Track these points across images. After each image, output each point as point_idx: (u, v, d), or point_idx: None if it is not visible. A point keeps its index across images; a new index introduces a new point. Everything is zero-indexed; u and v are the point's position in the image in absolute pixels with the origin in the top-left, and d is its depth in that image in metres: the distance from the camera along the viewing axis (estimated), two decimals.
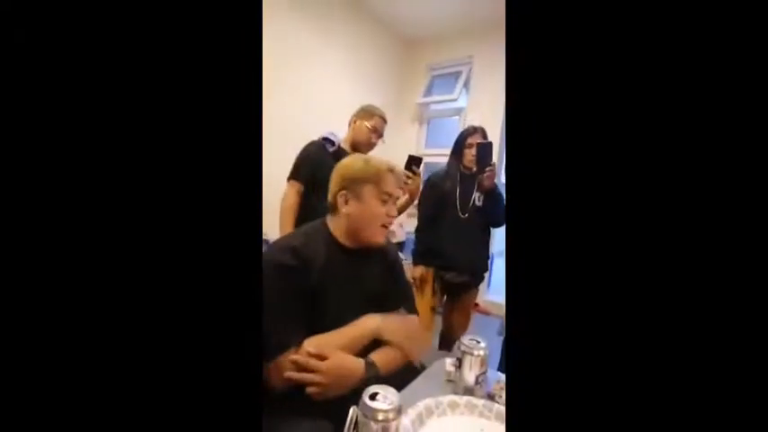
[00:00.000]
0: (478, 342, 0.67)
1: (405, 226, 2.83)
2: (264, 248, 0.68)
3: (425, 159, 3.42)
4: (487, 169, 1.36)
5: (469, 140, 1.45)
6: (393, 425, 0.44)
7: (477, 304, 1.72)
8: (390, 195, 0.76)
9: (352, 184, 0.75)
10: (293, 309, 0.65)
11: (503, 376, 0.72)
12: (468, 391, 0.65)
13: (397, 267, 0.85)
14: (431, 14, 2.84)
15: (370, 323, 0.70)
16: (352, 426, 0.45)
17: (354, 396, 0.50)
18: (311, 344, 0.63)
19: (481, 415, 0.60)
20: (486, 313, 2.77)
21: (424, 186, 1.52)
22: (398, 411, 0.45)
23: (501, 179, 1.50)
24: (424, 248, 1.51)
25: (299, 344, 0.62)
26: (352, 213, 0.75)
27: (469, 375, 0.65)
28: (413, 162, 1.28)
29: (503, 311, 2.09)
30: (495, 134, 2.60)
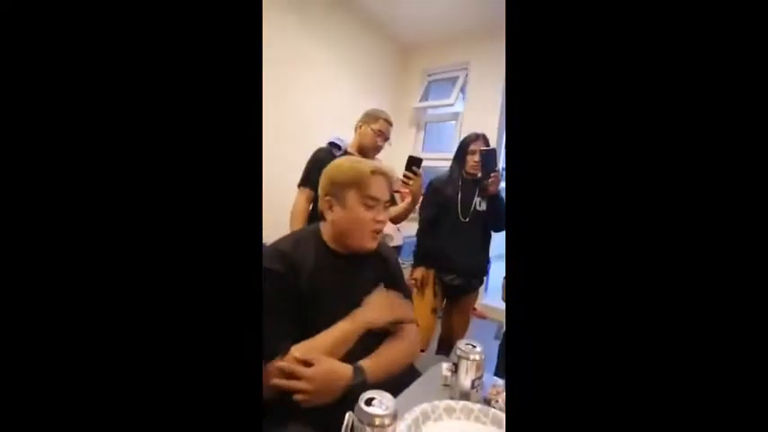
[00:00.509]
0: (474, 347, 0.67)
1: (403, 230, 2.83)
2: None
3: (423, 163, 3.42)
4: (492, 175, 1.39)
5: (472, 147, 1.48)
6: (389, 430, 0.45)
7: (474, 308, 1.73)
8: (376, 200, 0.73)
9: (336, 189, 0.73)
10: (280, 315, 0.64)
11: (499, 380, 0.73)
12: (465, 396, 0.65)
13: (395, 272, 0.84)
14: (428, 20, 2.87)
15: (356, 319, 0.69)
16: (348, 430, 0.46)
17: (343, 402, 0.50)
18: (298, 349, 0.62)
19: (477, 419, 0.60)
20: (484, 317, 2.77)
21: (427, 190, 1.56)
22: (394, 416, 0.45)
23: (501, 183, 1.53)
24: (425, 251, 1.54)
25: (286, 350, 0.62)
26: (336, 219, 0.73)
27: (466, 380, 0.65)
28: (413, 163, 1.29)
29: (500, 315, 2.09)
30: (492, 139, 2.61)
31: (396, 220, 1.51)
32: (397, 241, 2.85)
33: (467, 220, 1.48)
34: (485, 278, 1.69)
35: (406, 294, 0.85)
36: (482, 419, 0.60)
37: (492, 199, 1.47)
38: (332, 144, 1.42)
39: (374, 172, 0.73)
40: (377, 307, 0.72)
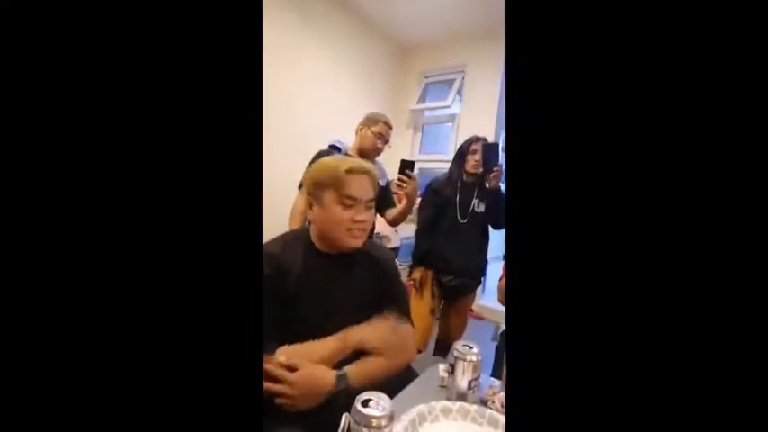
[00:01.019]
0: (471, 347, 0.67)
1: (400, 231, 2.83)
2: None
3: (420, 165, 3.42)
4: (495, 169, 1.41)
5: (473, 147, 1.49)
6: (385, 431, 0.45)
7: (471, 309, 1.73)
8: (354, 199, 0.71)
9: (315, 189, 0.73)
10: (266, 317, 0.63)
11: (496, 381, 0.73)
12: (461, 397, 0.65)
13: (389, 272, 0.83)
14: (425, 22, 2.88)
15: (352, 336, 0.68)
16: None
17: (336, 404, 0.49)
18: (284, 353, 0.62)
19: (473, 420, 0.61)
20: (481, 318, 2.77)
21: (425, 192, 1.58)
22: (391, 418, 0.45)
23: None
24: (424, 252, 1.55)
25: (271, 352, 0.62)
26: (315, 219, 0.74)
27: (462, 381, 0.66)
28: (406, 166, 1.30)
29: (497, 317, 2.10)
30: (489, 140, 2.63)
31: (393, 223, 1.51)
32: (394, 243, 2.85)
33: (465, 221, 1.49)
34: (482, 279, 1.70)
35: (402, 295, 0.84)
36: (478, 420, 0.61)
37: (493, 195, 1.48)
38: (332, 147, 1.43)
39: (351, 171, 0.71)
40: (375, 334, 0.70)
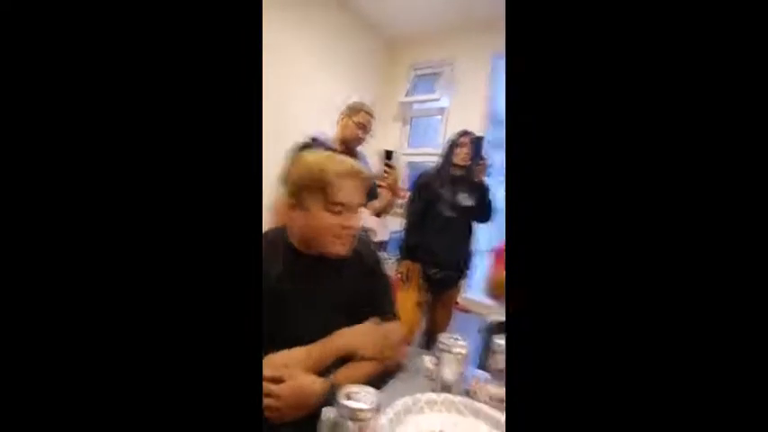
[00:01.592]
0: (457, 339, 0.68)
1: (389, 226, 2.83)
2: None
3: (409, 159, 3.41)
4: (480, 162, 1.44)
5: (461, 140, 1.50)
6: (370, 424, 0.45)
7: (457, 302, 1.76)
8: (344, 205, 0.65)
9: (298, 192, 0.66)
10: None
11: (481, 373, 0.74)
12: (446, 389, 0.66)
13: (374, 272, 0.79)
14: (415, 15, 2.86)
15: (339, 341, 0.65)
16: (328, 426, 0.45)
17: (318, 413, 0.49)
18: (268, 364, 0.58)
19: (458, 412, 0.61)
20: (467, 311, 2.81)
21: (414, 185, 1.58)
22: (376, 410, 0.45)
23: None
24: (411, 244, 1.56)
25: None
26: (296, 223, 0.68)
27: (448, 373, 0.66)
28: (386, 156, 1.29)
29: (483, 309, 2.13)
30: (477, 134, 2.65)
31: (378, 214, 1.51)
32: (382, 236, 2.85)
33: (452, 215, 1.50)
34: (468, 272, 1.72)
35: (388, 297, 0.80)
36: (463, 412, 0.61)
37: (478, 188, 1.49)
38: (313, 140, 1.40)
39: (341, 175, 0.65)
40: (364, 339, 0.67)
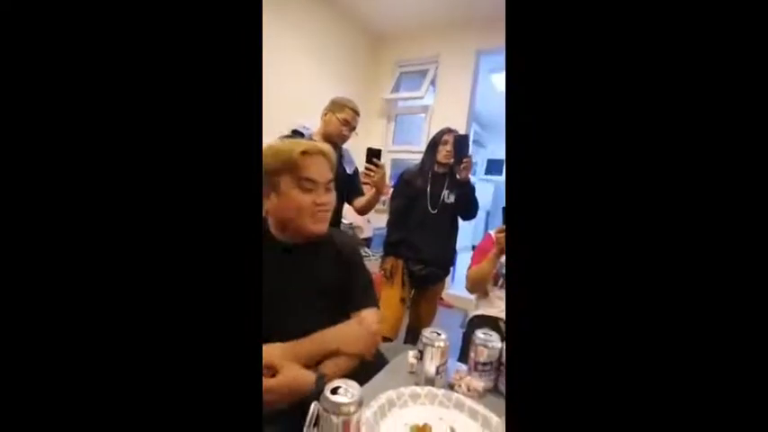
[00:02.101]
0: (439, 334, 0.69)
1: (373, 222, 2.84)
2: None
3: (393, 156, 3.41)
4: (464, 160, 1.43)
5: (445, 137, 1.51)
6: (354, 418, 0.45)
7: (441, 298, 1.78)
8: (313, 181, 0.69)
9: (270, 177, 0.69)
10: None
11: (463, 366, 0.75)
12: (429, 382, 0.67)
13: (353, 261, 0.80)
14: (399, 11, 2.85)
15: (326, 340, 0.66)
16: (313, 420, 0.46)
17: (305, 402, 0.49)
18: (264, 354, 0.59)
19: (441, 404, 0.62)
20: (450, 306, 2.86)
21: (397, 182, 1.58)
22: (360, 404, 0.46)
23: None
24: (395, 241, 1.56)
25: None
26: (272, 209, 0.70)
27: (430, 366, 0.67)
28: (372, 155, 1.29)
29: (466, 305, 2.17)
30: (461, 132, 2.68)
31: (362, 211, 1.51)
32: (366, 233, 2.85)
33: (435, 211, 1.52)
34: (451, 269, 1.75)
35: (368, 284, 0.81)
36: (446, 404, 0.62)
37: (462, 186, 1.51)
38: (295, 132, 1.38)
39: (306, 152, 0.68)
40: (353, 341, 0.69)
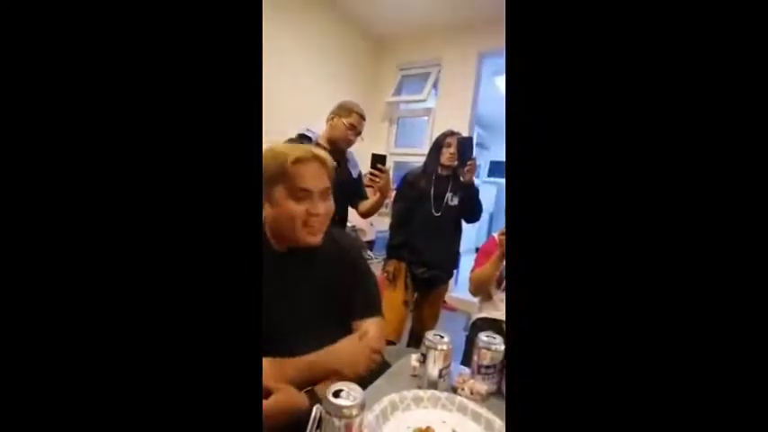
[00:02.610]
0: (442, 337, 0.69)
1: (376, 225, 2.84)
2: None
3: (395, 158, 3.41)
4: (468, 162, 1.42)
5: (448, 140, 1.50)
6: (356, 421, 0.45)
7: (444, 300, 1.77)
8: (307, 191, 0.66)
9: (263, 186, 0.67)
10: None
11: (466, 369, 0.75)
12: (432, 385, 0.67)
13: (357, 265, 0.78)
14: (401, 14, 2.87)
15: (325, 361, 0.64)
16: (315, 424, 0.46)
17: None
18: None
19: (444, 407, 0.62)
20: (453, 309, 2.84)
21: (400, 184, 1.58)
22: (362, 407, 0.46)
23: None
24: (398, 243, 1.56)
25: None
26: (267, 218, 0.68)
27: (433, 369, 0.67)
28: (377, 160, 1.29)
29: (469, 308, 2.16)
30: (464, 134, 2.68)
31: (365, 215, 1.51)
32: (369, 236, 2.85)
33: (439, 214, 1.51)
34: (455, 271, 1.74)
35: (372, 291, 0.79)
36: (448, 407, 0.62)
37: (466, 189, 1.50)
38: (302, 136, 1.39)
39: (299, 160, 0.65)
40: (347, 358, 0.66)
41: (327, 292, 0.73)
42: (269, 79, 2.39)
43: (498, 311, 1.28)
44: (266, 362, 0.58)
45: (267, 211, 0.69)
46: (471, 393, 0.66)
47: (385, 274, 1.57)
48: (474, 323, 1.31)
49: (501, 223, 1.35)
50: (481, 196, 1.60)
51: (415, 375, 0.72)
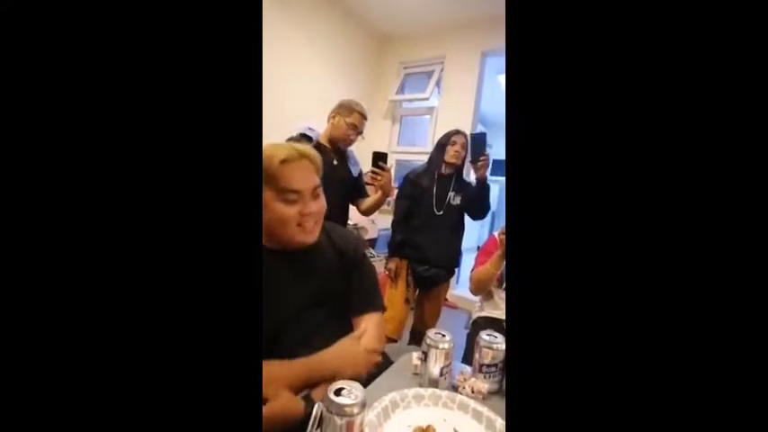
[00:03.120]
0: (444, 335, 0.69)
1: (378, 223, 2.84)
2: None
3: (398, 157, 3.41)
4: (482, 158, 1.41)
5: (453, 138, 1.50)
6: (358, 419, 0.45)
7: (446, 299, 1.78)
8: (296, 192, 0.65)
9: None
10: None
11: (467, 368, 0.75)
12: (433, 383, 0.67)
13: (356, 261, 0.77)
14: (404, 12, 2.86)
15: (322, 364, 0.63)
16: (316, 422, 0.46)
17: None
18: None
19: (444, 405, 0.62)
20: (455, 307, 2.85)
21: (403, 182, 1.59)
22: (363, 406, 0.46)
23: (471, 176, 1.57)
24: (399, 241, 1.56)
25: None
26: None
27: (435, 368, 0.67)
28: (378, 158, 1.28)
29: (470, 306, 2.16)
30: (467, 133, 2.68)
31: (366, 213, 1.51)
32: (371, 234, 2.86)
33: (441, 212, 1.52)
34: (456, 270, 1.74)
35: (373, 288, 0.79)
36: (449, 405, 0.62)
37: (477, 185, 1.50)
38: (303, 135, 1.39)
39: (286, 161, 0.64)
40: (344, 361, 0.65)
41: (323, 290, 0.72)
42: (271, 77, 2.39)
43: (499, 310, 1.28)
44: (263, 365, 0.58)
45: None
46: (472, 392, 0.66)
47: (387, 272, 1.57)
48: (475, 321, 1.31)
49: (503, 221, 1.34)
50: None
51: (416, 373, 0.72)
